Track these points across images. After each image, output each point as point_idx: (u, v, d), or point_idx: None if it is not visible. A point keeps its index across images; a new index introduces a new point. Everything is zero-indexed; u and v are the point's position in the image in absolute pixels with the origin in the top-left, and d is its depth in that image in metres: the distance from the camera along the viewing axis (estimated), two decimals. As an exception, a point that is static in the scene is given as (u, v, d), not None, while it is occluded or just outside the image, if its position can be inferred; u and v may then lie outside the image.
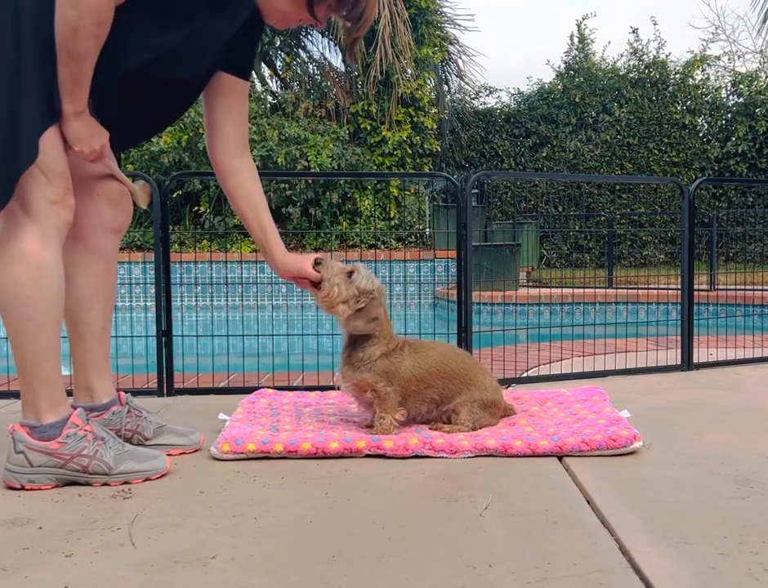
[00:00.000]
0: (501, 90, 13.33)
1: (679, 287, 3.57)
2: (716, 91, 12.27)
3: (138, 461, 1.86)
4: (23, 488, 1.79)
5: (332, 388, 2.91)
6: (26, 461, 1.79)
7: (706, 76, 12.39)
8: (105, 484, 1.83)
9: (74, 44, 1.73)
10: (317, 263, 2.20)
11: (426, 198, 10.86)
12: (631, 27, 12.76)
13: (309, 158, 9.38)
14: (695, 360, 3.48)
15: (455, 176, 11.22)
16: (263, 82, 11.61)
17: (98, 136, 1.88)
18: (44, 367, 1.81)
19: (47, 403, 1.81)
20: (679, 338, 3.53)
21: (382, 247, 9.77)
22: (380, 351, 2.20)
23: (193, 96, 2.13)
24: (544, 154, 12.27)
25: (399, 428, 2.22)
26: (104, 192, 2.05)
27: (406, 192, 10.45)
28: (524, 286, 7.93)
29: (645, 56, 12.43)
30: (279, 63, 11.67)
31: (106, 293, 2.10)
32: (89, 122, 1.85)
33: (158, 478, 1.88)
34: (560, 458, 2.04)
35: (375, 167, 10.20)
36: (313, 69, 11.67)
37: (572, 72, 12.66)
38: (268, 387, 2.83)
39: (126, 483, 1.84)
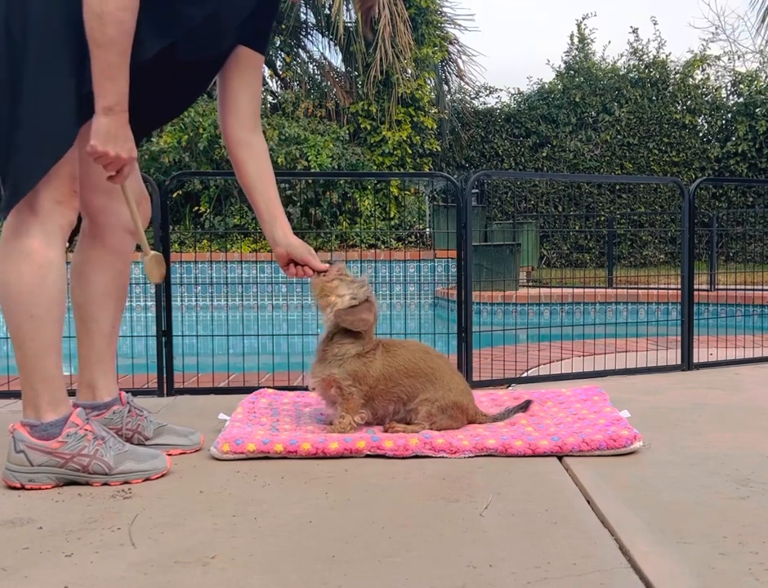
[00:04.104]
0: (501, 90, 13.34)
1: (679, 287, 3.57)
2: (716, 91, 12.27)
3: (138, 461, 1.86)
4: (23, 487, 1.79)
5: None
6: (26, 461, 1.79)
7: (706, 76, 12.39)
8: (105, 484, 1.82)
9: (100, 32, 1.69)
10: (331, 263, 2.24)
11: (426, 198, 10.86)
12: (631, 27, 12.78)
13: (309, 158, 9.38)
14: (695, 360, 3.48)
15: (455, 176, 11.21)
16: (263, 82, 11.60)
17: (122, 142, 1.78)
18: (45, 364, 1.81)
19: (47, 401, 1.81)
20: (679, 338, 3.53)
21: (382, 247, 9.77)
22: (355, 350, 2.22)
23: (213, 76, 2.10)
24: (544, 154, 12.27)
25: (358, 429, 2.22)
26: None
27: (406, 192, 10.45)
28: (524, 286, 7.93)
29: (645, 56, 12.43)
30: (279, 63, 11.66)
31: (118, 293, 2.10)
32: (120, 124, 1.77)
33: (158, 478, 1.88)
34: (560, 458, 2.04)
35: (375, 167, 10.20)
36: (313, 69, 11.67)
37: (572, 72, 12.66)
38: (268, 387, 2.83)
39: (125, 482, 1.84)
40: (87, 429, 1.83)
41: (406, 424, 2.26)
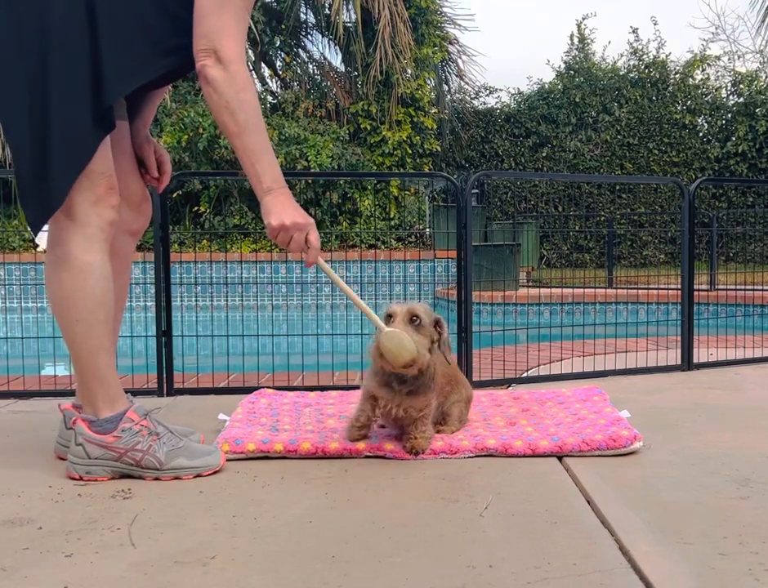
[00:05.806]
0: (501, 90, 13.34)
1: (679, 287, 3.57)
2: (716, 91, 12.27)
3: (189, 458, 1.89)
4: (81, 479, 1.85)
5: (332, 388, 2.92)
6: (84, 453, 1.85)
7: (706, 76, 12.39)
8: (157, 479, 1.86)
9: (233, 121, 1.80)
10: (389, 316, 1.98)
11: (426, 198, 10.86)
12: (631, 27, 12.78)
13: (309, 158, 9.38)
14: (695, 360, 3.48)
15: (455, 176, 11.22)
16: (263, 82, 11.61)
17: (292, 211, 1.86)
18: (97, 365, 1.87)
19: (103, 400, 1.87)
20: (679, 338, 3.53)
21: (382, 247, 9.78)
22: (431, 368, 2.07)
23: None
24: (544, 154, 12.27)
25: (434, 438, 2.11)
26: (126, 193, 2.03)
27: (406, 192, 10.45)
28: (524, 286, 7.93)
29: (645, 56, 12.43)
30: (279, 63, 11.66)
31: (118, 294, 2.10)
32: (283, 197, 1.87)
33: (210, 474, 1.90)
34: (560, 458, 2.03)
35: (375, 167, 10.20)
36: (313, 69, 11.67)
37: (572, 72, 12.65)
38: (268, 387, 2.83)
39: (176, 478, 1.86)
40: (142, 425, 1.87)
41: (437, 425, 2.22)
